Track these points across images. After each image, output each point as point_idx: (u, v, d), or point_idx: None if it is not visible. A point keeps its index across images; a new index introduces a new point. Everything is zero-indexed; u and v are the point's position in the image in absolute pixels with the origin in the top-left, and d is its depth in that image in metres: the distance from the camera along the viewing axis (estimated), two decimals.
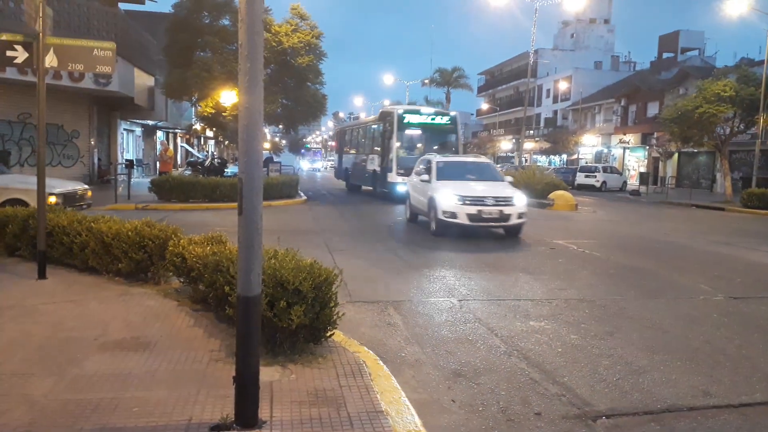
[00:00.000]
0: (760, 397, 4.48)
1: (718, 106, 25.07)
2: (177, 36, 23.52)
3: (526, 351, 5.38)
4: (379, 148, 23.92)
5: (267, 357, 4.44)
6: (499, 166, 31.10)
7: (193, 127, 36.40)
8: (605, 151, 52.69)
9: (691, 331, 6.23)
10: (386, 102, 76.43)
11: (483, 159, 16.97)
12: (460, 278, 8.58)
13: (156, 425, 3.47)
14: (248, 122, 3.33)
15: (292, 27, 24.74)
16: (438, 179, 13.39)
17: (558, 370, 4.90)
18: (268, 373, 4.15)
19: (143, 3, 31.52)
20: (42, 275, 6.90)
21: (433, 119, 23.16)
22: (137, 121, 30.97)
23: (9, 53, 6.79)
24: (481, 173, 14.15)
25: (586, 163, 49.41)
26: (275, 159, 37.51)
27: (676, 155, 41.47)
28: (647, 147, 45.10)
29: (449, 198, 12.29)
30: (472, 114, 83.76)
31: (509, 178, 14.33)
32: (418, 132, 23.24)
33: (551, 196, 21.83)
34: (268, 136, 68.61)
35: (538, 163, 55.86)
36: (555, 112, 62.76)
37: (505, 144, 64.27)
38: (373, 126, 25.93)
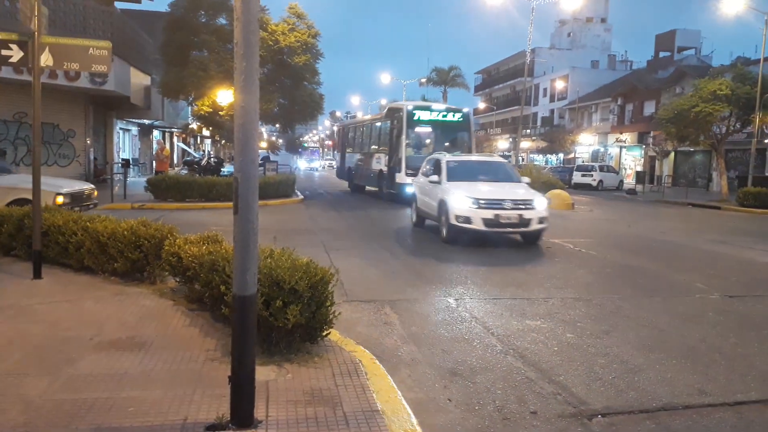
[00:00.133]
0: (755, 396, 4.49)
1: (714, 105, 25.13)
2: (173, 35, 23.47)
3: (522, 350, 5.38)
4: (386, 147, 22.66)
5: (263, 356, 4.43)
6: None
7: (190, 127, 36.34)
8: (602, 150, 52.79)
9: (686, 329, 6.25)
10: (383, 101, 76.28)
11: (497, 158, 15.97)
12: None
13: (151, 425, 3.46)
14: (244, 121, 3.32)
15: (289, 26, 24.72)
16: (449, 180, 12.29)
17: (554, 369, 4.90)
18: (264, 373, 4.15)
19: (139, 2, 31.42)
20: (37, 275, 6.88)
21: (444, 116, 21.71)
22: (133, 120, 30.90)
23: (4, 52, 6.77)
24: (496, 173, 13.08)
25: (583, 162, 49.49)
26: (272, 158, 37.38)
27: (672, 154, 41.58)
28: (644, 146, 45.21)
29: (463, 201, 11.17)
30: None
31: (526, 179, 13.11)
32: (428, 129, 21.78)
33: (548, 195, 21.82)
34: (265, 135, 68.51)
35: (535, 163, 55.97)
36: (552, 111, 62.84)
37: (502, 143, 64.33)
38: (380, 123, 24.52)
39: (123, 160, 27.18)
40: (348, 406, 3.78)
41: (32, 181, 6.97)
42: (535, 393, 4.41)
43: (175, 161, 39.33)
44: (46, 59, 6.86)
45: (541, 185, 23.27)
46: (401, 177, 20.05)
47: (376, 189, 23.69)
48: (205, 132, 38.98)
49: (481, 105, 75.46)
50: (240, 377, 3.42)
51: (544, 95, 64.72)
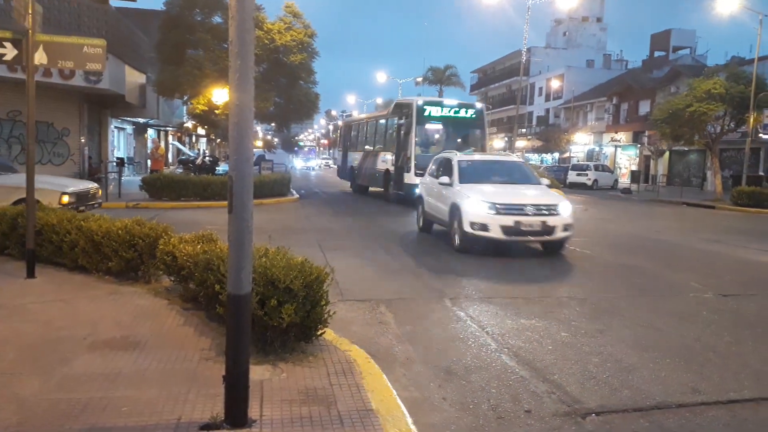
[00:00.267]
0: (748, 394, 4.51)
1: (709, 104, 25.22)
2: (169, 33, 23.40)
3: (517, 349, 5.39)
4: (393, 145, 21.38)
5: (257, 356, 4.43)
6: None
7: (185, 125, 36.22)
8: (597, 149, 52.90)
9: (681, 328, 6.27)
10: (379, 100, 76.40)
11: (513, 157, 14.83)
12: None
13: (146, 425, 3.46)
14: (239, 119, 3.32)
15: (285, 25, 24.68)
16: (462, 182, 11.15)
17: (548, 368, 4.92)
18: (258, 372, 4.14)
19: (135, 0, 31.34)
20: (31, 274, 6.85)
21: (456, 112, 20.35)
22: (128, 119, 30.78)
23: None
24: (512, 174, 11.97)
25: (578, 161, 49.57)
26: (267, 157, 37.29)
27: (667, 153, 41.72)
28: (638, 145, 45.32)
29: (479, 206, 10.06)
30: None
31: (546, 181, 12.05)
32: (439, 126, 20.44)
33: None
34: (260, 134, 68.40)
35: (531, 162, 56.04)
36: (547, 111, 62.92)
37: (498, 142, 64.36)
38: (387, 120, 23.07)
39: (118, 158, 27.08)
40: (343, 406, 3.78)
41: (26, 180, 6.93)
42: (530, 392, 4.42)
43: (170, 160, 39.21)
44: (40, 57, 6.84)
45: None
46: (410, 177, 18.87)
47: (382, 190, 22.54)
48: (200, 131, 38.89)
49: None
50: (234, 376, 3.41)
51: (540, 94, 64.80)
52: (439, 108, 20.28)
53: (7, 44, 6.75)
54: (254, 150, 3.94)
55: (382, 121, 23.83)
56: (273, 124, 31.98)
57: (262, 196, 18.87)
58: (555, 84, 60.83)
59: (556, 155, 57.38)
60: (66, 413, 3.56)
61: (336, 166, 34.21)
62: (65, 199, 10.90)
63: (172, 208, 16.83)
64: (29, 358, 4.48)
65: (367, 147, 25.39)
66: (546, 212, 10.12)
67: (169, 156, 39.83)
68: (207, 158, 28.21)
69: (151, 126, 35.96)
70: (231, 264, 3.38)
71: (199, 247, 5.72)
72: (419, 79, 59.43)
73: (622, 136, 47.53)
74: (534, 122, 64.36)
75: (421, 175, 15.95)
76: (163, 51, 23.81)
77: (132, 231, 6.68)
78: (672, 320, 6.56)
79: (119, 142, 31.42)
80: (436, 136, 20.72)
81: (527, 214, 9.98)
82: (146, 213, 13.16)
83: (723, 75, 27.45)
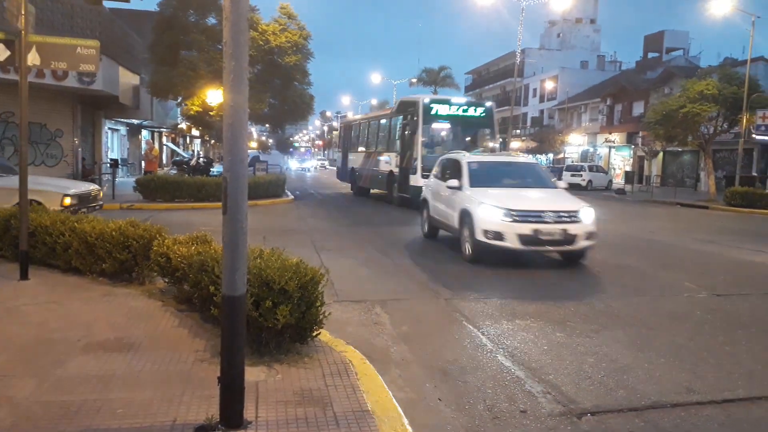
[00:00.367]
0: (742, 393, 4.53)
1: (702, 105, 25.34)
2: (162, 34, 23.34)
3: (512, 349, 5.40)
4: (397, 145, 20.43)
5: (252, 357, 4.42)
6: None
7: (179, 127, 36.15)
8: (591, 150, 53.06)
9: (675, 328, 6.29)
10: (373, 101, 76.49)
11: (526, 158, 14.06)
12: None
13: (140, 426, 3.44)
14: (233, 121, 3.31)
15: (280, 27, 24.66)
16: (472, 185, 10.29)
17: (543, 368, 4.92)
18: (253, 373, 4.13)
19: (128, 1, 31.23)
20: (24, 276, 6.82)
21: (465, 110, 19.45)
22: (122, 120, 30.67)
23: None
24: (526, 177, 11.11)
25: (572, 162, 49.71)
26: (262, 158, 37.23)
27: (661, 154, 41.88)
28: (632, 146, 45.49)
29: (493, 212, 9.19)
30: None
31: (562, 184, 11.19)
32: (447, 125, 19.65)
33: None
34: (255, 135, 68.26)
35: None
36: (541, 112, 63.08)
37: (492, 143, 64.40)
38: (390, 119, 22.09)
39: (111, 160, 26.93)
40: (338, 407, 3.78)
41: (19, 181, 6.90)
42: (525, 392, 4.43)
43: (164, 161, 39.11)
44: (33, 58, 6.80)
45: None
46: (416, 179, 17.86)
47: (385, 192, 21.62)
48: (195, 132, 38.85)
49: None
50: (229, 378, 3.40)
51: (534, 96, 64.97)
52: (447, 106, 19.38)
53: (0, 45, 6.71)
54: (248, 151, 3.93)
55: (386, 120, 22.96)
56: (267, 126, 31.91)
57: (257, 198, 18.84)
58: (549, 85, 61.00)
59: (551, 156, 57.53)
60: (60, 415, 3.55)
61: (336, 168, 32.39)
62: (67, 200, 10.85)
63: (166, 209, 16.79)
64: (23, 360, 4.46)
65: (369, 148, 24.52)
66: (567, 219, 9.24)
67: (163, 157, 39.72)
68: (201, 159, 28.13)
69: (145, 127, 35.85)
70: (226, 265, 3.37)
71: (193, 248, 5.70)
72: (414, 80, 59.46)
73: (616, 137, 47.70)
74: (528, 123, 64.51)
75: (428, 177, 14.70)
76: (157, 52, 23.74)
77: (126, 232, 6.66)
78: (666, 320, 6.58)
79: (113, 144, 31.31)
80: (444, 135, 19.92)
81: (546, 222, 9.10)
82: (140, 214, 13.13)
83: (716, 76, 27.60)
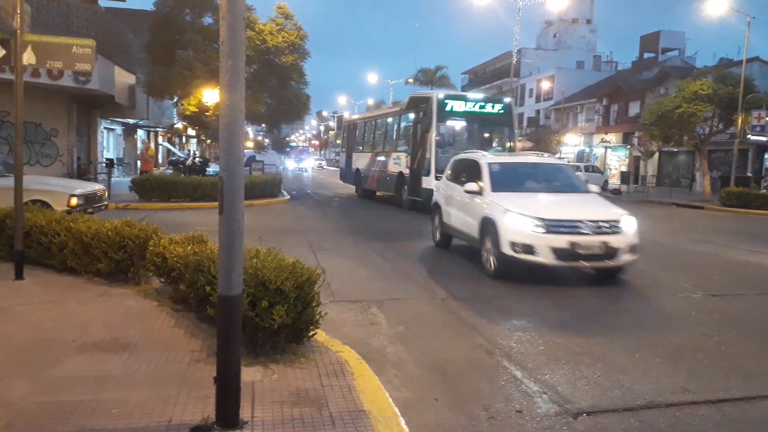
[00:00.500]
0: (737, 393, 4.55)
1: (697, 105, 25.44)
2: (159, 34, 23.30)
3: (509, 349, 5.41)
4: (407, 145, 19.18)
5: (248, 357, 4.41)
6: None
7: (175, 126, 36.05)
8: (587, 150, 53.16)
9: (670, 328, 6.31)
10: (370, 101, 76.43)
11: (552, 159, 12.85)
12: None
13: (136, 427, 3.44)
14: (229, 120, 3.31)
15: (277, 26, 24.64)
16: (494, 189, 9.12)
17: (540, 368, 4.93)
18: (249, 373, 4.13)
19: (124, 0, 31.16)
20: (19, 276, 6.79)
21: (482, 107, 18.14)
22: (118, 119, 30.61)
23: None
24: (553, 180, 9.93)
25: (568, 162, 49.79)
26: (258, 158, 37.13)
27: (656, 154, 42.00)
28: (628, 146, 45.59)
29: (521, 222, 8.06)
30: None
31: (595, 188, 9.84)
32: (462, 123, 18.24)
33: None
34: (251, 135, 68.10)
35: None
36: (537, 112, 63.18)
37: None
38: (400, 116, 20.80)
39: (107, 159, 26.91)
40: (334, 407, 3.77)
41: (15, 181, 6.87)
42: (521, 392, 4.44)
43: (160, 161, 39.05)
44: (28, 57, 6.78)
45: None
46: (428, 181, 16.64)
47: (393, 194, 20.37)
48: (191, 131, 38.74)
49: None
50: (225, 378, 3.40)
51: (530, 96, 65.06)
52: (463, 102, 18.04)
53: None
54: (245, 151, 3.92)
55: (395, 117, 21.57)
56: (263, 125, 31.86)
57: (253, 197, 18.83)
58: (545, 85, 61.10)
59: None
60: (55, 416, 3.54)
61: (339, 169, 30.58)
62: (74, 201, 10.82)
63: (162, 209, 16.75)
64: (18, 360, 4.44)
65: (376, 147, 23.23)
66: (607, 230, 8.09)
67: (159, 157, 39.65)
68: (197, 159, 28.11)
69: (141, 127, 35.78)
70: (222, 265, 3.36)
71: (189, 248, 5.69)
72: (410, 80, 59.49)
73: (612, 137, 47.81)
74: (524, 123, 64.57)
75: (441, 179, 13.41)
76: (153, 51, 23.71)
77: (122, 232, 6.64)
78: (662, 320, 6.60)
79: (108, 143, 31.25)
80: (459, 134, 18.52)
81: (585, 233, 7.95)
82: (136, 214, 13.10)
83: (711, 77, 27.71)
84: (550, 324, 6.29)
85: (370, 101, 75.90)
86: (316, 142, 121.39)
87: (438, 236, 11.22)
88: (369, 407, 3.79)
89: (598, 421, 4.00)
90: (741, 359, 5.36)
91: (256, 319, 4.39)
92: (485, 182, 9.36)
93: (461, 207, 9.99)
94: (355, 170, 25.21)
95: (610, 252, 8.02)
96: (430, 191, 14.94)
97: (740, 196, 23.74)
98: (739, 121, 26.35)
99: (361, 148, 25.29)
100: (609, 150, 49.73)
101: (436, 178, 15.34)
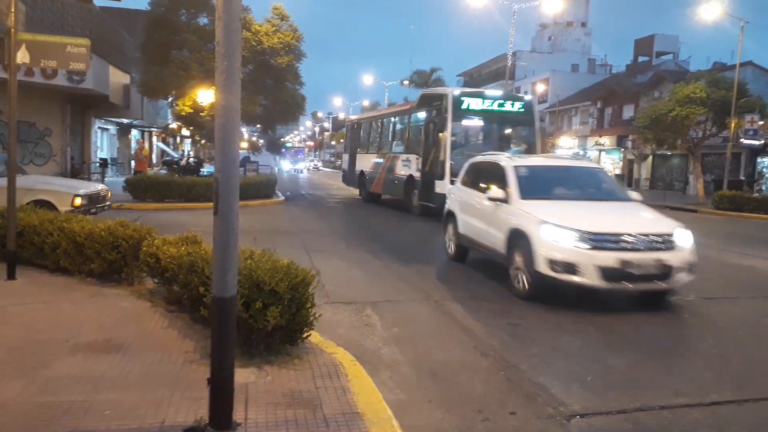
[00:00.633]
0: (730, 396, 4.57)
1: (690, 108, 25.58)
2: (154, 34, 23.22)
3: (503, 351, 5.41)
4: (419, 146, 17.82)
5: (242, 358, 4.40)
6: None
7: (169, 126, 35.98)
8: (581, 153, 53.30)
9: (664, 330, 6.33)
10: (365, 102, 76.39)
11: (586, 162, 11.54)
12: None
13: (129, 428, 3.42)
14: (225, 121, 3.30)
15: (273, 27, 24.60)
16: (523, 197, 7.98)
17: (533, 370, 4.94)
18: (243, 375, 4.12)
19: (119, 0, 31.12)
20: (11, 276, 6.75)
21: (501, 105, 16.85)
22: (112, 119, 30.52)
23: None
24: (587, 186, 8.76)
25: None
26: (252, 158, 37.06)
27: (650, 157, 42.18)
28: (622, 149, 45.79)
29: (561, 236, 6.91)
30: None
31: (636, 195, 8.71)
32: (480, 122, 17.06)
33: None
34: (246, 136, 67.90)
35: None
36: None
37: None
38: (409, 115, 19.58)
39: (101, 159, 26.81)
40: (328, 408, 3.77)
41: (7, 180, 6.84)
42: (515, 394, 4.44)
43: (154, 161, 38.94)
44: (22, 56, 6.75)
45: None
46: (443, 185, 15.22)
47: (402, 199, 18.99)
48: (185, 132, 38.68)
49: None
50: (219, 379, 3.38)
51: None
52: (480, 100, 16.75)
53: None
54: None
55: (404, 116, 20.25)
56: (258, 126, 31.80)
57: (248, 198, 18.79)
58: (540, 88, 61.26)
59: None
60: (48, 417, 3.52)
61: (342, 171, 28.79)
62: (78, 201, 10.77)
63: (156, 209, 16.70)
64: (10, 361, 4.41)
65: (382, 148, 21.85)
66: (660, 245, 6.98)
67: (153, 157, 39.55)
68: (191, 159, 28.01)
69: (135, 127, 35.68)
70: (216, 266, 3.35)
71: (183, 249, 5.67)
72: (405, 82, 59.53)
73: (606, 140, 48.00)
74: None
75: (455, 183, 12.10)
76: (148, 51, 23.62)
77: (115, 232, 6.61)
78: (655, 323, 6.62)
79: (102, 143, 31.14)
80: (477, 134, 17.39)
81: (636, 249, 6.84)
82: (130, 214, 13.05)
83: (705, 80, 27.87)
84: (543, 323, 6.28)
85: (366, 102, 75.89)
86: (311, 143, 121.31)
87: (452, 249, 10.02)
88: (363, 409, 3.79)
89: (591, 423, 4.01)
90: (734, 362, 5.39)
91: (251, 321, 4.38)
92: (512, 188, 8.19)
93: (481, 216, 8.88)
94: (359, 172, 23.81)
95: (665, 271, 6.87)
96: (444, 197, 12.85)
97: (733, 199, 23.85)
98: (733, 124, 26.49)
99: (366, 149, 23.89)
100: (603, 153, 49.90)
101: (452, 182, 13.93)
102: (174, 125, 35.28)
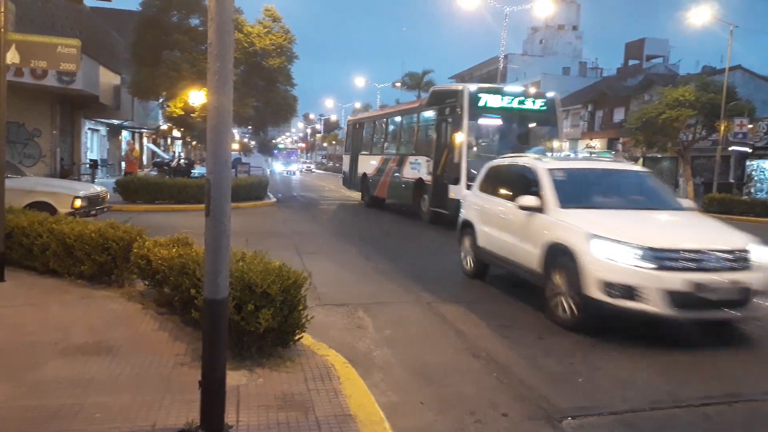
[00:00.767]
0: (721, 397, 4.59)
1: (680, 110, 25.81)
2: (145, 34, 23.12)
3: (494, 353, 5.42)
4: (429, 147, 16.43)
5: (234, 361, 4.38)
6: None
7: (160, 128, 35.81)
8: (572, 155, 53.56)
9: (656, 332, 6.35)
10: (357, 104, 76.37)
11: (628, 164, 10.31)
12: None
13: (119, 431, 3.40)
14: (217, 122, 3.28)
15: (265, 29, 24.56)
16: (563, 205, 6.76)
17: (525, 372, 4.94)
18: (234, 378, 4.10)
19: (110, 0, 30.96)
20: (0, 278, 6.69)
21: (522, 102, 15.38)
22: (102, 120, 30.35)
23: None
24: (634, 193, 7.67)
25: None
26: (244, 160, 36.89)
27: (640, 160, 42.41)
28: (613, 152, 45.97)
29: (619, 252, 5.74)
30: None
31: (689, 202, 7.71)
32: (498, 121, 15.53)
33: None
34: (237, 137, 67.68)
35: None
36: None
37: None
38: (418, 114, 18.09)
39: (91, 160, 26.68)
40: (320, 411, 3.76)
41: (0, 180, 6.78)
42: (507, 396, 4.45)
43: (145, 162, 38.75)
44: (12, 56, 6.71)
45: None
46: (458, 190, 13.66)
47: (411, 204, 17.51)
48: (176, 133, 38.52)
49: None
50: (210, 382, 3.36)
51: None
52: (499, 97, 15.17)
53: None
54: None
55: (412, 115, 18.82)
56: (249, 127, 31.72)
57: (239, 200, 18.73)
58: (531, 91, 61.47)
59: None
60: (37, 420, 3.49)
61: (343, 173, 27.12)
62: (78, 203, 10.71)
63: (146, 211, 16.61)
64: None
65: (387, 150, 20.46)
66: (735, 264, 5.77)
67: (144, 158, 39.35)
68: (182, 161, 27.91)
69: (126, 128, 35.50)
70: (208, 268, 3.34)
71: (174, 250, 5.65)
72: (397, 84, 59.56)
73: (597, 143, 48.23)
74: None
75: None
76: (139, 52, 23.51)
77: (105, 234, 6.57)
78: (647, 324, 6.64)
79: (92, 144, 30.96)
80: (495, 134, 15.90)
81: (711, 269, 5.66)
82: (120, 216, 12.91)
83: (694, 84, 28.13)
84: (536, 324, 6.30)
85: (357, 104, 75.85)
86: (303, 145, 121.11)
87: (470, 264, 8.72)
88: (355, 411, 3.78)
89: (582, 425, 4.02)
90: (723, 363, 5.42)
91: (242, 323, 4.37)
92: (548, 195, 6.95)
93: (507, 227, 7.66)
94: (361, 175, 22.09)
95: (743, 295, 5.70)
96: (459, 202, 11.78)
97: (723, 202, 24.03)
98: (722, 128, 26.71)
99: (369, 150, 22.27)
100: (594, 155, 50.18)
101: (468, 187, 12.06)
102: (165, 126, 35.11)
